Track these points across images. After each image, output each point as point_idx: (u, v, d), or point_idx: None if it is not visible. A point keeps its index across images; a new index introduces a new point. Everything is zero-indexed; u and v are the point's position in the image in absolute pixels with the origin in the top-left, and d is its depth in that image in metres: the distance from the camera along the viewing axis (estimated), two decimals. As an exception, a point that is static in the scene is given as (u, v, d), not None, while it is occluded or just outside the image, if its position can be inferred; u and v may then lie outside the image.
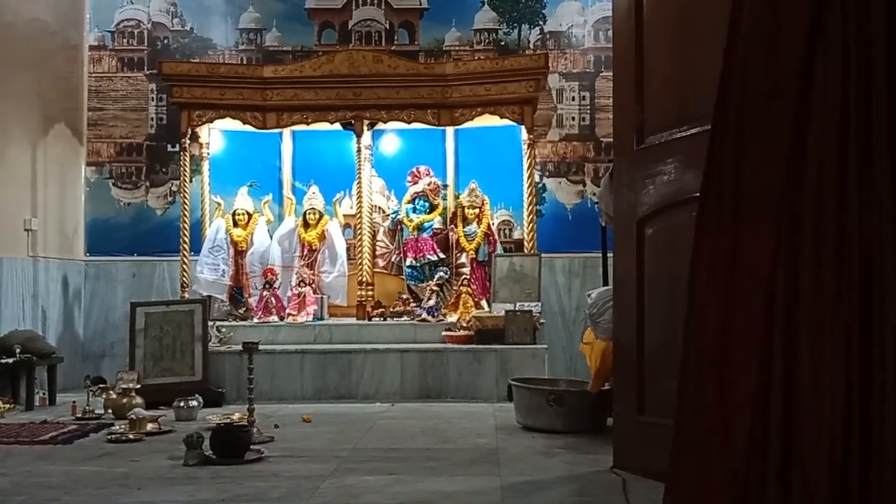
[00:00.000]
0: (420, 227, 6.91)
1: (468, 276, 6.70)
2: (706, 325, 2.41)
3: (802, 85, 2.30)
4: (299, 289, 6.62)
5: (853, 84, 2.21)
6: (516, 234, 7.13)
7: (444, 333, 6.24)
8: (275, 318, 6.53)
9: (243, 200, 6.93)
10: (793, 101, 2.31)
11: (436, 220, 6.99)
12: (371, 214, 6.91)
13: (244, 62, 7.38)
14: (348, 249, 6.91)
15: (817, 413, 2.16)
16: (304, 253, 6.84)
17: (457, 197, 7.10)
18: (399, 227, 7.07)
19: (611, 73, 3.88)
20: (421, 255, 6.86)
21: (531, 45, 7.39)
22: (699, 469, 2.36)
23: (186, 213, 6.79)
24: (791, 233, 2.27)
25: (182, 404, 5.09)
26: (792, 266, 2.26)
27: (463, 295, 6.56)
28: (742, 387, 2.29)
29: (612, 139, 3.93)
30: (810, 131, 2.28)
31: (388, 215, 7.17)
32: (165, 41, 7.52)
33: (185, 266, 6.71)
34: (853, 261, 2.16)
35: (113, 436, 4.41)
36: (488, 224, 6.85)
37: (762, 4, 2.41)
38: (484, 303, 6.65)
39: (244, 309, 6.78)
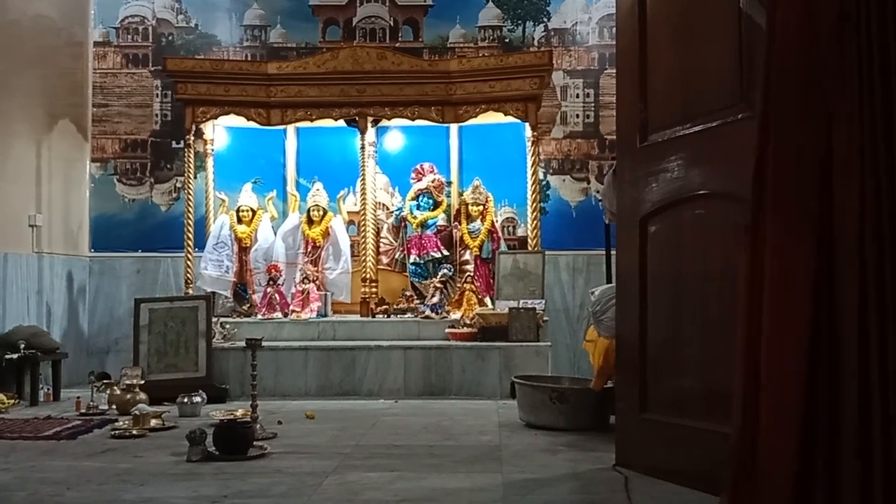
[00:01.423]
0: (424, 224, 6.91)
1: (472, 274, 6.70)
2: (759, 336, 2.39)
3: (832, 84, 2.30)
4: (303, 285, 6.63)
5: (878, 86, 2.21)
6: (520, 232, 7.13)
7: (447, 330, 6.24)
8: (278, 314, 6.54)
9: (247, 197, 6.95)
10: (825, 101, 2.30)
11: (440, 217, 6.99)
12: (375, 211, 6.91)
13: (248, 59, 7.38)
14: (352, 246, 6.91)
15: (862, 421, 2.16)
16: (308, 249, 6.84)
17: (461, 194, 7.10)
18: (403, 224, 7.07)
19: (615, 71, 3.87)
20: (425, 252, 6.86)
21: (535, 42, 7.38)
22: (758, 480, 2.36)
23: (191, 209, 6.81)
24: (826, 236, 2.27)
25: (186, 400, 5.10)
26: (830, 271, 2.26)
27: (467, 292, 6.56)
28: (791, 396, 2.28)
29: (615, 136, 3.92)
30: (839, 132, 2.28)
31: (392, 212, 7.17)
32: (170, 38, 7.53)
33: (189, 262, 6.73)
34: (884, 262, 2.16)
35: (116, 431, 4.41)
36: (492, 221, 6.85)
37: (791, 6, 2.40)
38: (487, 300, 6.65)
39: (248, 305, 6.80)
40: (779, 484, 2.29)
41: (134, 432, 4.39)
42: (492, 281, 6.70)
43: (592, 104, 7.34)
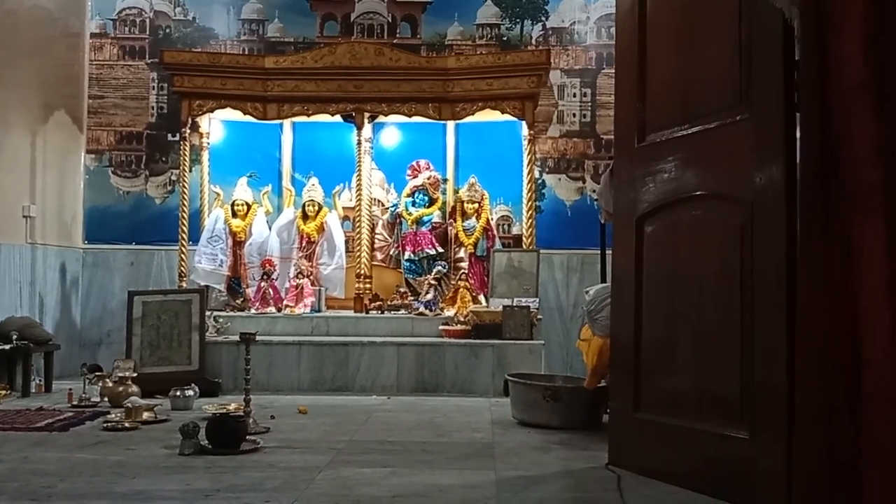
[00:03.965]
0: (419, 221, 6.91)
1: (466, 271, 6.71)
2: (828, 329, 2.37)
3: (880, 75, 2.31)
4: (297, 280, 6.62)
5: None
6: (515, 230, 7.13)
7: (441, 327, 6.24)
8: (272, 309, 6.53)
9: (243, 191, 6.93)
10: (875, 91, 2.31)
11: (435, 215, 6.99)
12: (370, 207, 6.91)
13: (246, 52, 7.36)
14: (347, 242, 6.91)
15: None
16: (303, 244, 6.84)
17: (456, 191, 7.10)
18: (398, 221, 7.07)
19: (612, 71, 3.88)
20: (419, 248, 6.86)
21: (533, 41, 7.38)
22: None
23: (185, 202, 6.79)
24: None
25: (178, 394, 5.09)
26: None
27: (461, 289, 6.56)
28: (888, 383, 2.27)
29: (612, 136, 3.92)
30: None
31: (388, 208, 7.17)
32: (167, 30, 7.50)
33: (183, 255, 6.71)
34: None
35: (109, 424, 4.40)
36: (487, 219, 6.85)
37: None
38: (482, 298, 6.65)
39: (242, 299, 6.79)
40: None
41: (126, 425, 4.39)
42: (486, 279, 6.70)
43: (589, 104, 7.34)
